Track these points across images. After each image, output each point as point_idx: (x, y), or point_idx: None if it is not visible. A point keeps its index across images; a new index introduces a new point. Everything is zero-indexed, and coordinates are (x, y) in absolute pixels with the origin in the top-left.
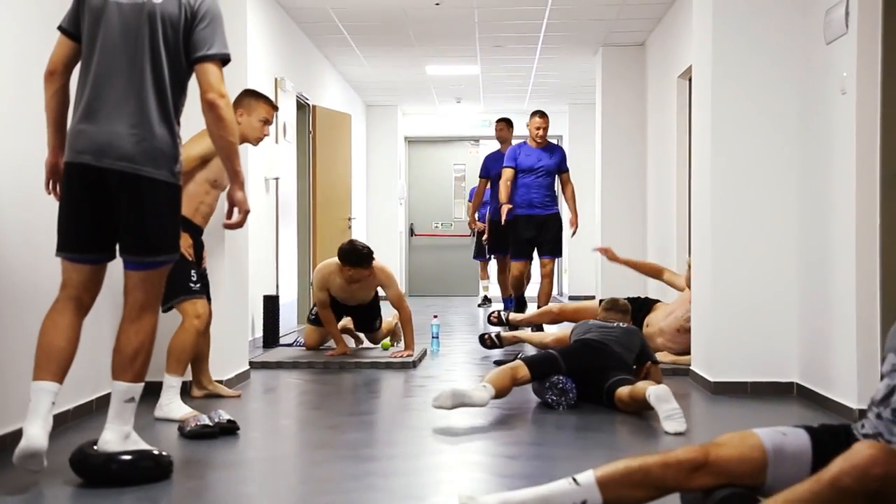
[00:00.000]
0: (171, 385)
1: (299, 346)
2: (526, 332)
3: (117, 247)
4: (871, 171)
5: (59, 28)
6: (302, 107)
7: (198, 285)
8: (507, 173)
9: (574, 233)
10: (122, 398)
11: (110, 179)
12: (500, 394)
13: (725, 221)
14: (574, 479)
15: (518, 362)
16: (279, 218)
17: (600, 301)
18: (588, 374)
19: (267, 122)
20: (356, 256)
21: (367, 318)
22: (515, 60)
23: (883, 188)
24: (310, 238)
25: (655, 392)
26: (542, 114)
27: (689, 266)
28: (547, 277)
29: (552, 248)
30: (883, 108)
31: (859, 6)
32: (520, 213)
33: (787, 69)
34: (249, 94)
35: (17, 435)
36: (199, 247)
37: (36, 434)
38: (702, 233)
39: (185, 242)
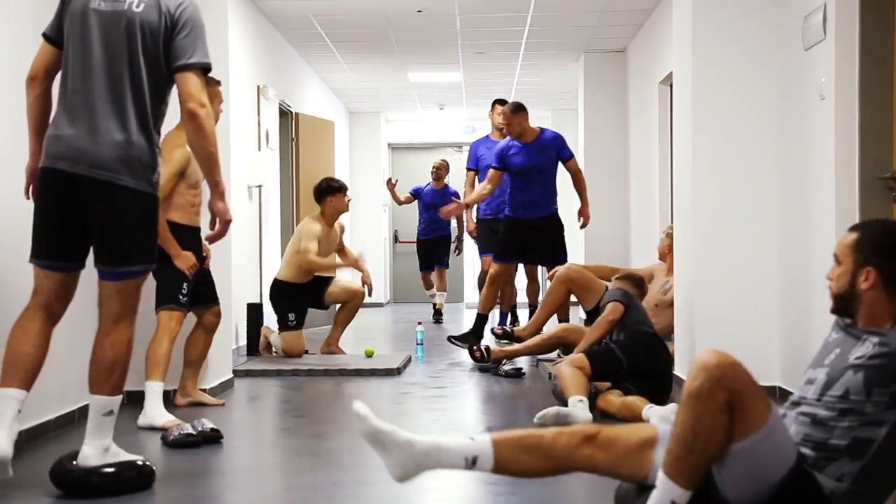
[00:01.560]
0: (153, 391)
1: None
2: (515, 346)
3: (89, 256)
4: (850, 175)
5: (43, 34)
6: (284, 114)
7: (185, 299)
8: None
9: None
10: (100, 412)
11: (84, 187)
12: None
13: (706, 226)
14: (472, 438)
15: (580, 356)
16: (262, 226)
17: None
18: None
19: (221, 101)
20: (336, 181)
21: (320, 293)
22: (498, 67)
23: (862, 192)
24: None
25: (660, 412)
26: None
27: (668, 236)
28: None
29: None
30: (861, 113)
31: (837, 12)
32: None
33: (766, 75)
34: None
35: (39, 429)
36: (199, 248)
37: (0, 442)
38: (683, 237)
39: (187, 263)
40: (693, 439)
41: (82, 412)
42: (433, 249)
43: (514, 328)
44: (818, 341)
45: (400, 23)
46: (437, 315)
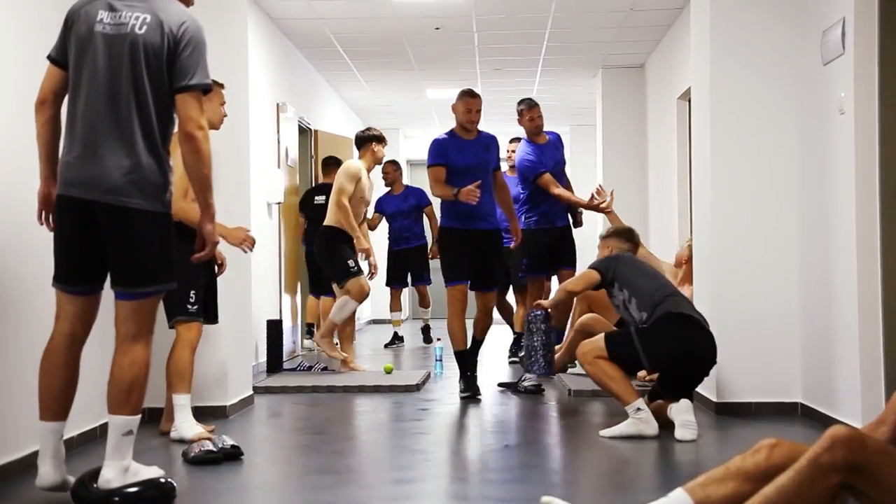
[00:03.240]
0: (181, 404)
1: (303, 370)
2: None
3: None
4: (870, 189)
5: (48, 57)
6: (304, 131)
7: (195, 307)
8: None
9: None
10: (119, 431)
11: (99, 212)
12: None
13: (726, 242)
14: (666, 497)
15: (601, 346)
16: (282, 242)
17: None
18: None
19: (224, 102)
20: (377, 130)
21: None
22: (515, 83)
23: (883, 207)
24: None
25: (678, 405)
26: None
27: (689, 248)
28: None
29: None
30: (881, 127)
31: (856, 27)
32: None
33: (785, 90)
34: None
35: (22, 463)
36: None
37: (46, 472)
38: (703, 253)
39: (239, 236)
40: (796, 500)
41: (105, 428)
42: (407, 262)
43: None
44: (840, 357)
45: (418, 40)
46: (397, 339)
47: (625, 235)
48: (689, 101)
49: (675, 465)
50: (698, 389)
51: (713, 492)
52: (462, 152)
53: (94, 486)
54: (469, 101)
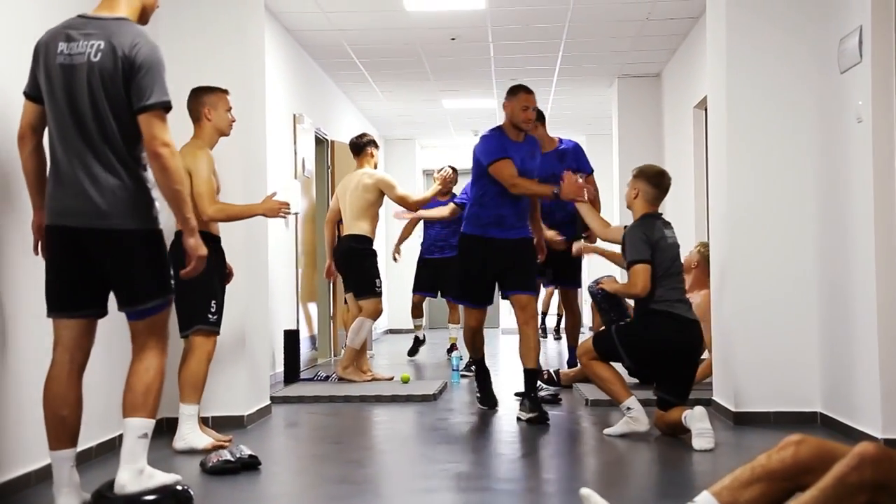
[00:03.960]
0: (188, 414)
1: (320, 380)
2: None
3: (107, 302)
4: (888, 197)
5: (24, 93)
6: (320, 142)
7: (216, 317)
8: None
9: None
10: (135, 434)
11: (88, 239)
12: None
13: (743, 250)
14: (692, 501)
15: (588, 346)
16: (299, 252)
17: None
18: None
19: (231, 108)
20: (369, 135)
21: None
22: None
23: None
24: None
25: (693, 413)
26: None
27: (700, 252)
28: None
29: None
30: None
31: (873, 35)
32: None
33: (801, 98)
34: (206, 92)
35: (19, 482)
36: (221, 255)
37: (64, 502)
38: (720, 263)
39: (272, 207)
40: None
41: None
42: (438, 272)
43: (563, 371)
44: (859, 366)
45: (434, 50)
46: (419, 343)
47: (654, 179)
48: (706, 109)
49: (693, 473)
50: (716, 399)
51: (740, 493)
52: (514, 153)
53: (113, 492)
54: (525, 98)
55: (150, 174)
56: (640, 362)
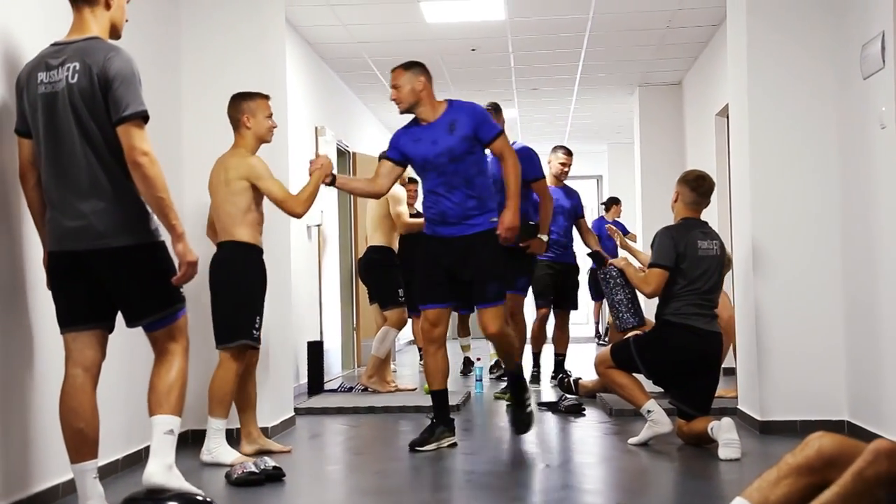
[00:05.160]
0: (216, 428)
1: (344, 391)
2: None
3: (115, 317)
4: None
5: (15, 131)
6: (342, 154)
7: (258, 333)
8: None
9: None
10: (161, 430)
11: (91, 260)
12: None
13: (767, 259)
14: None
15: (606, 355)
16: (322, 264)
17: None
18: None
19: (271, 114)
20: None
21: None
22: (553, 102)
23: None
24: (353, 284)
25: (719, 423)
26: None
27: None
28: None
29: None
30: None
31: None
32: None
33: (824, 105)
34: (245, 98)
35: (48, 494)
36: (263, 269)
37: None
38: (744, 271)
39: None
40: None
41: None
42: None
43: (581, 381)
44: (887, 374)
45: (454, 61)
46: (470, 364)
47: (692, 183)
48: (728, 117)
49: (721, 483)
50: (741, 408)
51: (770, 491)
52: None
53: (142, 496)
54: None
55: None
56: (658, 373)
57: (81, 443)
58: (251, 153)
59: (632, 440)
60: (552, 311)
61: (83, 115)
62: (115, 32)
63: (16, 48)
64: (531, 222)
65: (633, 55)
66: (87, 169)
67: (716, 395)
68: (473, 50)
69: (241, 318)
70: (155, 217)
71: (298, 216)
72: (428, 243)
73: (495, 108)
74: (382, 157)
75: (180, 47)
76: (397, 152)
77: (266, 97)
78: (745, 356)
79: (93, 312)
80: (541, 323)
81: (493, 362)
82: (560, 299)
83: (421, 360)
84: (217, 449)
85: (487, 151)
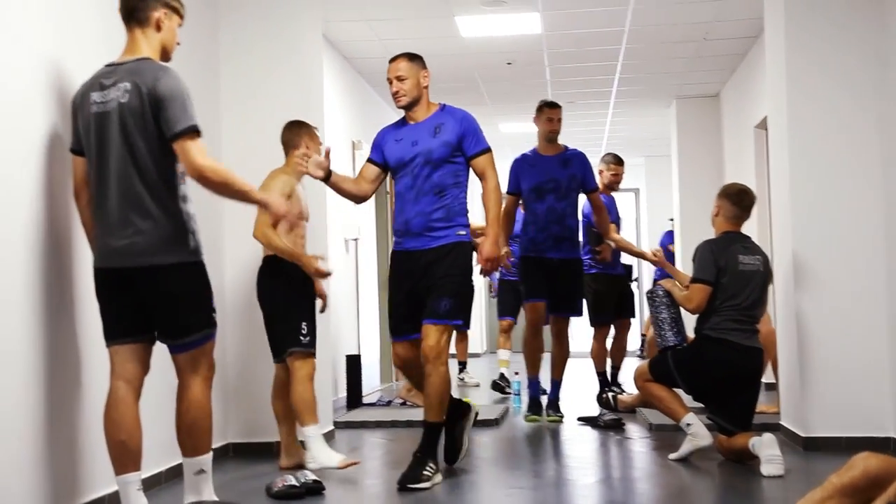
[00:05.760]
0: (312, 436)
1: (382, 404)
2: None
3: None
4: None
5: (70, 150)
6: None
7: (308, 338)
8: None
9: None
10: (191, 471)
11: (133, 276)
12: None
13: (809, 272)
14: None
15: (644, 368)
16: (359, 278)
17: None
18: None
19: (320, 145)
20: None
21: None
22: (589, 115)
23: None
24: None
25: (761, 439)
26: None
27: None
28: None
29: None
30: None
31: None
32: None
33: (865, 115)
34: (305, 128)
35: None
36: (310, 283)
37: None
38: (785, 285)
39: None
40: None
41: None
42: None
43: (620, 396)
44: None
45: (490, 75)
46: (504, 382)
47: (734, 198)
48: (766, 129)
49: (764, 500)
50: (783, 423)
51: None
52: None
53: None
54: (550, 112)
55: (189, 206)
56: (696, 388)
57: (124, 454)
58: (295, 175)
59: (672, 455)
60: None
61: (132, 134)
62: (165, 55)
63: (71, 69)
64: (594, 229)
65: (670, 67)
66: (132, 188)
67: (757, 410)
68: (509, 64)
69: (287, 327)
70: (196, 236)
71: (257, 231)
72: (393, 261)
73: (616, 160)
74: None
75: (219, 63)
76: (379, 153)
77: (314, 128)
78: (787, 371)
79: (135, 327)
80: (602, 341)
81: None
82: (617, 310)
83: (411, 381)
84: (320, 455)
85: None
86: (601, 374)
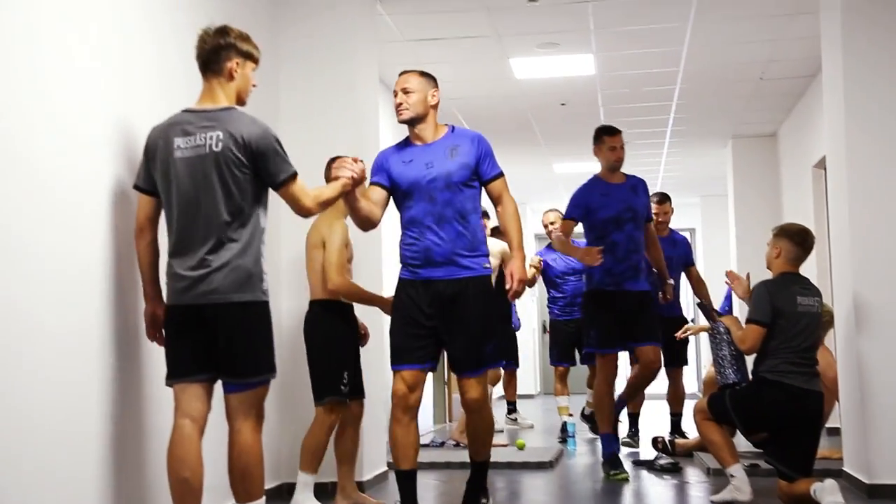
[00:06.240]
0: (304, 482)
1: (436, 446)
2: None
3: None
4: None
5: (135, 187)
6: None
7: (347, 388)
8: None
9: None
10: None
11: (205, 313)
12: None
13: (871, 315)
14: None
15: (703, 404)
16: None
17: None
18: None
19: (364, 179)
20: None
21: None
22: (644, 155)
23: None
24: None
25: (823, 485)
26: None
27: (827, 313)
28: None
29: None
30: None
31: None
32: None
33: None
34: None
35: None
36: (353, 325)
37: None
38: (846, 328)
39: (387, 305)
40: None
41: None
42: (580, 334)
43: (677, 440)
44: None
45: (544, 115)
46: (566, 433)
47: (796, 238)
48: (825, 169)
49: None
50: (847, 470)
51: None
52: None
53: None
54: (611, 140)
55: (264, 248)
56: (753, 430)
57: (187, 492)
58: (343, 214)
59: (714, 497)
60: (663, 367)
61: (223, 180)
62: (240, 100)
63: (136, 112)
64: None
65: (726, 107)
66: (216, 230)
67: (819, 455)
68: (563, 104)
69: (329, 375)
70: (267, 279)
71: (332, 283)
72: (404, 289)
73: (664, 198)
74: (371, 183)
75: (278, 106)
76: (385, 176)
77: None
78: (850, 415)
79: (200, 365)
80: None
81: (587, 411)
82: (669, 356)
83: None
84: (304, 502)
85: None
86: (675, 414)
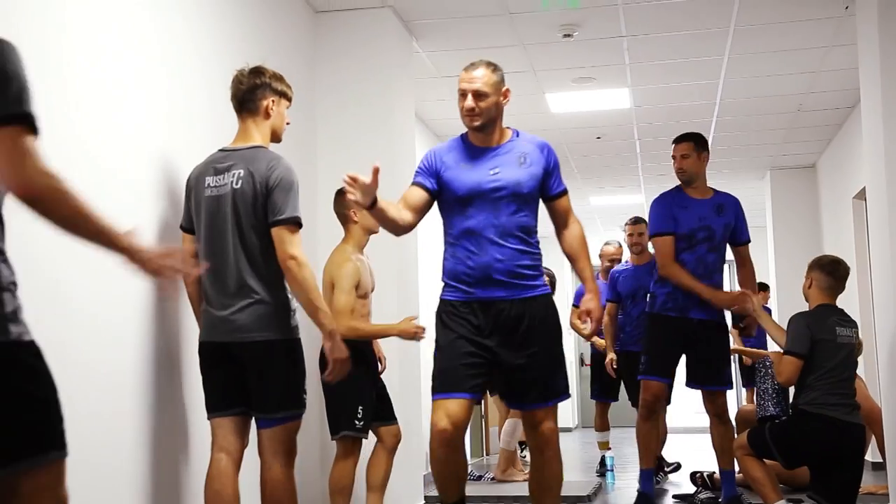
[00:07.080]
0: None
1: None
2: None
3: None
4: None
5: (180, 227)
6: None
7: (362, 423)
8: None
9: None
10: None
11: (234, 350)
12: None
13: None
14: None
15: (743, 440)
16: None
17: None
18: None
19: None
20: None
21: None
22: None
23: None
24: None
25: None
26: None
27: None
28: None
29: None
30: None
31: None
32: None
33: None
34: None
35: None
36: (371, 359)
37: None
38: (890, 360)
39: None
40: None
41: None
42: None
43: (716, 475)
44: None
45: (579, 149)
46: (604, 467)
47: (827, 268)
48: (866, 200)
49: None
50: None
51: None
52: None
53: None
54: (673, 149)
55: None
56: (793, 464)
57: None
58: (357, 249)
59: None
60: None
61: (242, 219)
62: (275, 137)
63: (181, 151)
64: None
65: (764, 139)
66: (237, 270)
67: (863, 491)
68: (599, 138)
69: (344, 409)
70: (296, 316)
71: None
72: (456, 310)
73: (637, 219)
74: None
75: (316, 141)
76: (433, 178)
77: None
78: (894, 450)
79: (235, 400)
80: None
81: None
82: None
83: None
84: None
85: None
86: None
